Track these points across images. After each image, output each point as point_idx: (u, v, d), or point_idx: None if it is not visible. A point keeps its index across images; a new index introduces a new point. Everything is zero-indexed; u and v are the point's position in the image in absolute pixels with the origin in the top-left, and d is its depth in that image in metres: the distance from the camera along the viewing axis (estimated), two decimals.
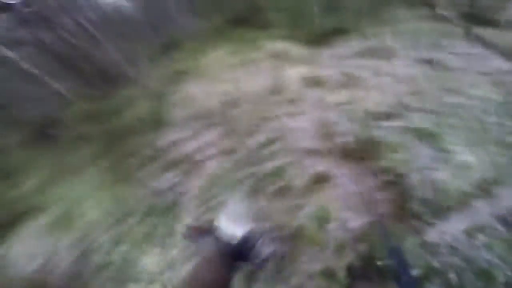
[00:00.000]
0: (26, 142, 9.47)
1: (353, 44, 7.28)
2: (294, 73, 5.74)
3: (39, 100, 8.86)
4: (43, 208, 7.07)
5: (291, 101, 5.14)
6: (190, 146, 5.47)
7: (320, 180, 4.17)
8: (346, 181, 4.09)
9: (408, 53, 6.63)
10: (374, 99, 4.96)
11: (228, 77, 6.41)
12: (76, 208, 6.23)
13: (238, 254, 1.19)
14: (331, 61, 6.35)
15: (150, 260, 4.44)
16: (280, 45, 7.20)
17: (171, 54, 9.54)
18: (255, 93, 5.60)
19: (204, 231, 1.21)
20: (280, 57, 6.64)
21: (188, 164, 5.46)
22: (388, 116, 4.62)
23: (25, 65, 8.70)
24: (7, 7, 9.05)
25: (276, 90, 5.53)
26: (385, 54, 6.56)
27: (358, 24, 8.46)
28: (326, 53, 6.80)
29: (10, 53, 8.50)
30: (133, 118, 6.62)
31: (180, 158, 5.47)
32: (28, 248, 6.08)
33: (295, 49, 6.97)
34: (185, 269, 3.71)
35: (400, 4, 11.27)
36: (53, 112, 8.67)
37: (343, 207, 3.74)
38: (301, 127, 4.84)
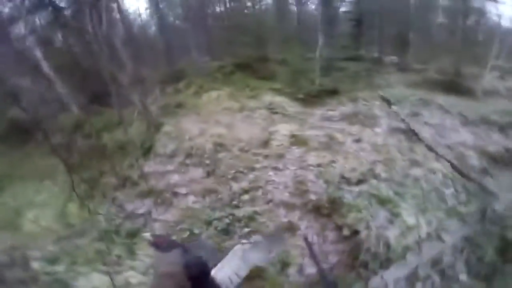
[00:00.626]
0: (7, 136, 9.32)
1: (344, 106, 7.91)
2: (284, 129, 6.17)
3: (41, 100, 8.96)
4: None
5: (276, 156, 5.48)
6: (173, 179, 5.62)
7: (288, 229, 4.55)
8: (310, 232, 4.52)
9: (390, 122, 7.28)
10: (349, 165, 5.35)
11: (223, 120, 6.82)
12: (24, 214, 6.07)
13: (200, 272, 1.20)
14: (320, 122, 6.86)
15: (86, 283, 4.21)
16: (277, 99, 7.76)
17: (176, 85, 10.11)
18: (245, 141, 5.94)
19: (171, 244, 1.23)
20: (274, 111, 7.15)
21: (167, 195, 5.54)
22: (358, 182, 5.08)
23: (44, 65, 8.96)
24: (48, 5, 9.52)
25: (264, 142, 5.89)
26: (370, 121, 7.15)
27: (353, 86, 9.27)
28: (317, 113, 7.35)
29: (36, 50, 8.84)
30: (124, 139, 6.82)
31: (160, 188, 5.56)
32: None
33: (290, 104, 7.54)
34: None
35: (393, 70, 12.48)
36: (49, 115, 8.75)
37: (303, 254, 4.16)
38: (280, 180, 5.12)
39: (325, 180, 5.02)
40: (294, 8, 15.73)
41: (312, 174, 5.12)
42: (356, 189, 4.98)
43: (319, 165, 5.21)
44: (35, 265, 4.65)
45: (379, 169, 5.49)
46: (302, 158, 5.36)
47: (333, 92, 8.65)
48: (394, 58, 13.40)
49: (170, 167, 5.73)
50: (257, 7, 12.55)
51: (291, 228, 4.60)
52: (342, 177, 5.12)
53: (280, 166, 5.27)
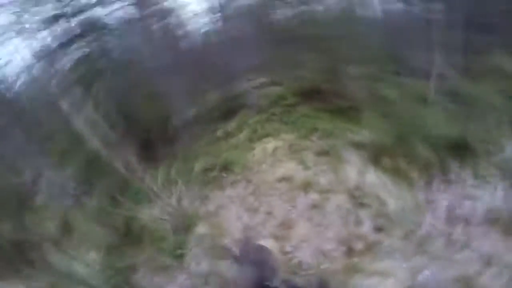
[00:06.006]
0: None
1: (497, 202, 4.30)
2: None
3: None
4: None
5: None
6: None
7: None
8: None
9: None
10: None
11: (278, 211, 4.47)
12: None
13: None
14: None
15: None
16: (368, 176, 4.61)
17: (225, 126, 8.28)
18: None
19: (247, 257, 1.35)
20: (362, 201, 4.26)
21: None
22: None
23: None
24: None
25: None
26: None
27: (490, 131, 5.46)
28: (440, 212, 4.08)
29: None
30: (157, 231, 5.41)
31: None
32: None
33: (393, 191, 4.41)
34: None
35: None
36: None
37: None
38: None
39: None
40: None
41: None
42: None
43: None
44: None
45: None
46: None
47: (461, 148, 5.12)
48: None
49: None
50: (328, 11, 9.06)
51: None
52: None
53: None
